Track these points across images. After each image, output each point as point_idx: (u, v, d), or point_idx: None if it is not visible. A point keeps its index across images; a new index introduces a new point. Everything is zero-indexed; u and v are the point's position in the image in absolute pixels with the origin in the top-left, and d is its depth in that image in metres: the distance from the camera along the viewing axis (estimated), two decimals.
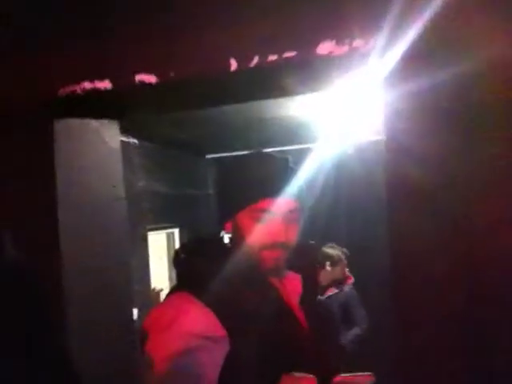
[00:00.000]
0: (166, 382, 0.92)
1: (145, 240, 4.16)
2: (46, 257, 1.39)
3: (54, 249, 1.39)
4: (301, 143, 4.51)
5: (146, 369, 0.96)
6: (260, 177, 1.08)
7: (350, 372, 1.00)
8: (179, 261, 1.10)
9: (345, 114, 3.57)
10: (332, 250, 3.26)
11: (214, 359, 0.94)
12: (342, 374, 0.98)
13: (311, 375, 0.91)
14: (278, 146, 4.21)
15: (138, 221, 4.04)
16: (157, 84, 1.24)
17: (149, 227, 4.25)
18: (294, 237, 1.10)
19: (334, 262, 3.24)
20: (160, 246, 4.65)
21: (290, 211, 1.08)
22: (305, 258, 1.20)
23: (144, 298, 3.72)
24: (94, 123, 1.52)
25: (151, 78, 1.23)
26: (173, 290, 1.08)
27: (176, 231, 4.77)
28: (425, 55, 1.10)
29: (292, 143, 4.51)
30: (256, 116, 3.79)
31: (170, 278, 4.44)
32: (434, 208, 1.10)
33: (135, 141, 4.36)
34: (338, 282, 3.25)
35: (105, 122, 1.56)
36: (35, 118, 1.34)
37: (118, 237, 1.63)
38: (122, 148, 4.11)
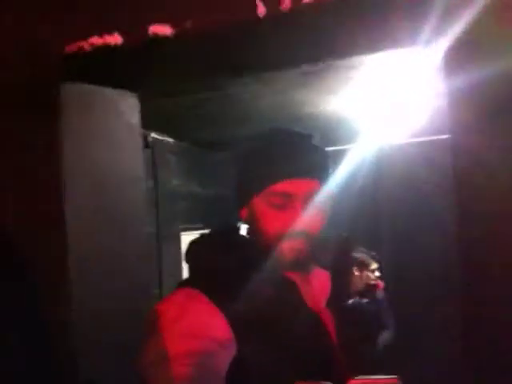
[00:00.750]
0: None
1: (177, 240, 4.05)
2: (50, 239, 1.24)
3: (59, 232, 1.22)
4: (338, 144, 4.29)
5: (145, 368, 0.84)
6: (277, 155, 0.94)
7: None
8: (190, 254, 0.98)
9: (387, 111, 3.37)
10: (359, 254, 3.09)
11: (218, 365, 0.83)
12: (361, 377, 0.77)
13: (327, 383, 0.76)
14: None
15: (172, 220, 3.95)
16: (173, 37, 1.06)
17: (182, 227, 4.13)
18: (317, 224, 0.95)
19: (362, 266, 3.08)
20: None
21: (313, 194, 0.93)
22: (336, 253, 1.04)
23: None
24: (109, 93, 1.36)
25: (166, 30, 1.06)
26: (181, 285, 0.95)
27: None
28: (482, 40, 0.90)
29: (329, 144, 4.29)
30: (295, 112, 3.61)
31: None
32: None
33: (170, 139, 4.30)
34: (368, 288, 3.09)
35: (122, 92, 1.40)
36: (39, 82, 1.18)
37: (136, 221, 1.46)
38: (156, 146, 4.00)
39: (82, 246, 1.28)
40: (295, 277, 0.97)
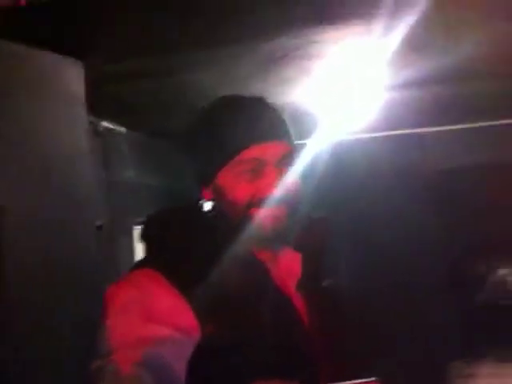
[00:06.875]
0: (122, 381, 0.69)
1: (130, 234, 3.89)
2: None
3: None
4: (297, 138, 4.25)
5: (98, 361, 0.72)
6: (237, 120, 0.87)
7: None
8: (148, 232, 0.90)
9: (344, 104, 3.37)
10: None
11: (181, 354, 0.76)
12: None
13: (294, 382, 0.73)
14: None
15: (124, 213, 3.79)
16: None
17: (136, 221, 3.97)
18: (296, 192, 0.88)
19: None
20: None
21: (284, 157, 0.88)
22: (309, 234, 0.97)
23: None
24: (46, 57, 1.20)
25: None
26: (137, 266, 0.85)
27: None
28: None
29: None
30: None
31: None
32: None
33: (123, 129, 4.13)
34: None
35: (64, 58, 1.25)
36: None
37: (81, 198, 1.31)
38: (107, 136, 3.80)
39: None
40: (265, 256, 0.90)
